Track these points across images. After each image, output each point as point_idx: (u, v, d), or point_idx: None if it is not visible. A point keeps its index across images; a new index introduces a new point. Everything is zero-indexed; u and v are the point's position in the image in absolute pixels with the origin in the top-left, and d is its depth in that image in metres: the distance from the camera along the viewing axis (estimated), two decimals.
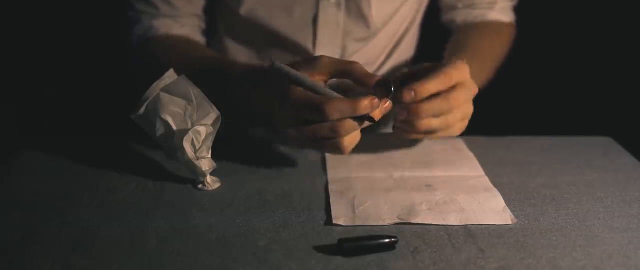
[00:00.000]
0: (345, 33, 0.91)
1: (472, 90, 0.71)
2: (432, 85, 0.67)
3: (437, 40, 1.11)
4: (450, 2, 0.99)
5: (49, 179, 0.70)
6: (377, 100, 0.63)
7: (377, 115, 0.64)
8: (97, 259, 0.55)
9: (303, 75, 0.65)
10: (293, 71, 0.65)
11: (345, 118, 0.63)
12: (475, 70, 0.76)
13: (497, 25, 0.98)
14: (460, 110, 0.71)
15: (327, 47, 0.91)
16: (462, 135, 0.81)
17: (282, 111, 0.66)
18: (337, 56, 0.92)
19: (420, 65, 0.73)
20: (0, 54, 1.29)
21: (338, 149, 0.67)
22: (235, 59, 0.96)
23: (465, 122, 0.73)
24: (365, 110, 0.63)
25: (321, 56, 0.68)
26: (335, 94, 0.65)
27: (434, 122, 0.70)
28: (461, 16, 0.99)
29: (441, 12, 1.02)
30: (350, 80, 0.67)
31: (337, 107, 0.62)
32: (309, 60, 0.68)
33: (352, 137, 0.66)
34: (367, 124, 0.65)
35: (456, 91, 0.69)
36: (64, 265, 0.54)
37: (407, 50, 1.02)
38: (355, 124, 0.64)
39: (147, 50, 0.91)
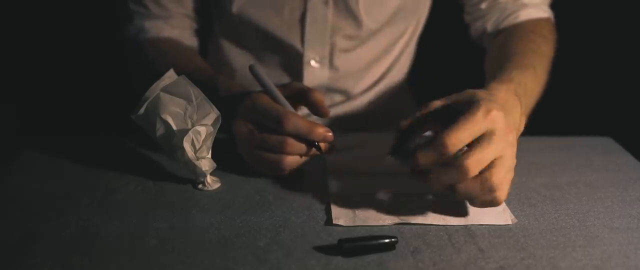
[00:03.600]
0: (334, 30, 0.91)
1: (511, 141, 0.59)
2: (431, 155, 0.57)
3: (436, 55, 1.12)
4: (475, 6, 0.94)
5: (49, 179, 0.70)
6: (331, 134, 0.66)
7: (324, 148, 0.67)
8: (97, 259, 0.55)
9: (275, 88, 0.68)
10: (268, 80, 0.68)
11: (296, 136, 0.65)
12: (523, 88, 0.71)
13: (535, 24, 0.90)
14: (496, 172, 0.58)
15: (315, 45, 0.92)
16: None
17: (243, 109, 0.68)
18: (325, 53, 0.93)
19: (426, 108, 0.63)
20: (0, 54, 1.29)
21: (277, 167, 0.67)
22: (231, 58, 0.96)
23: (511, 170, 0.60)
24: (318, 136, 0.65)
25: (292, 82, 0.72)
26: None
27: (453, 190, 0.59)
28: (491, 22, 0.93)
29: (469, 27, 0.97)
30: (306, 105, 0.70)
31: (295, 122, 0.64)
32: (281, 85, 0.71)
33: (293, 160, 0.67)
34: (313, 152, 0.67)
35: (477, 153, 0.57)
36: (64, 265, 0.54)
37: (405, 63, 1.02)
38: (303, 146, 0.66)
39: (138, 53, 0.92)
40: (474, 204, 0.61)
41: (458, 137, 0.56)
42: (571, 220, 0.63)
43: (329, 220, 0.62)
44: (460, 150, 0.57)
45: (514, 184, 0.70)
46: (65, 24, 1.28)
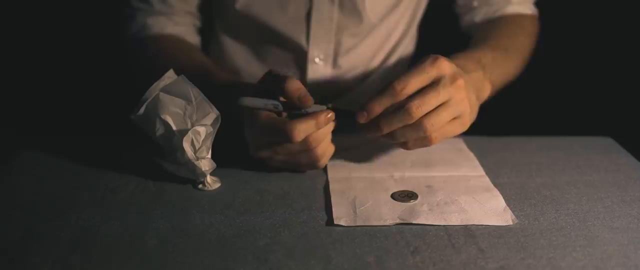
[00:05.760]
0: (339, 28, 0.91)
1: (458, 85, 0.66)
2: (384, 100, 0.65)
3: (437, 43, 1.11)
4: (466, 1, 0.99)
5: (49, 179, 0.70)
6: (332, 113, 0.67)
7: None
8: (97, 259, 0.55)
9: (267, 102, 0.66)
10: (260, 103, 0.66)
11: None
12: (490, 60, 0.77)
13: (518, 17, 0.96)
14: (439, 113, 0.65)
15: (320, 43, 0.92)
16: (463, 135, 0.80)
17: (252, 135, 0.68)
18: (330, 51, 0.93)
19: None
20: (0, 53, 1.29)
21: (313, 162, 0.69)
22: (233, 56, 0.96)
23: (460, 122, 0.68)
24: (326, 122, 0.66)
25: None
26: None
27: (401, 133, 0.66)
28: (479, 15, 0.98)
29: (460, 18, 1.01)
30: (284, 96, 0.66)
31: (302, 129, 0.65)
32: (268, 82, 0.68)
33: (324, 146, 0.69)
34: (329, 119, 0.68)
35: (421, 97, 0.64)
36: (64, 265, 0.54)
37: (405, 52, 1.01)
38: (327, 131, 0.68)
39: (140, 50, 0.92)
40: (406, 146, 0.68)
41: (406, 82, 0.64)
42: (571, 220, 0.62)
43: (329, 220, 0.62)
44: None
45: (514, 184, 0.70)
46: (65, 24, 1.28)
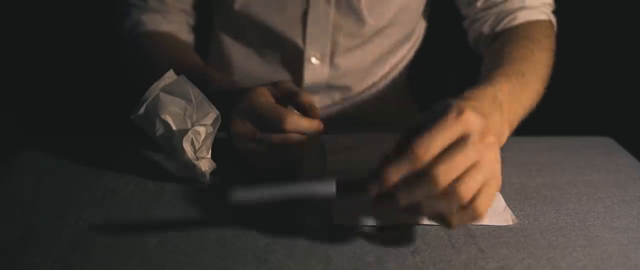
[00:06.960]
0: (335, 28, 0.91)
1: (488, 142, 0.54)
2: (402, 167, 0.52)
3: (439, 47, 1.11)
4: (471, 6, 0.91)
5: (49, 179, 0.70)
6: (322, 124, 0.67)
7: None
8: (97, 259, 0.55)
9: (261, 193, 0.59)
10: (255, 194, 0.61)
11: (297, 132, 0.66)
12: (507, 95, 0.66)
13: (530, 29, 0.85)
14: (472, 174, 0.52)
15: (316, 42, 0.91)
16: None
17: (241, 108, 0.67)
18: (327, 51, 0.93)
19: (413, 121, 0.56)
20: (0, 54, 1.29)
21: (279, 160, 0.68)
22: (232, 55, 0.96)
23: (495, 183, 0.55)
24: (318, 128, 0.67)
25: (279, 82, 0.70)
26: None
27: (428, 205, 0.54)
28: (487, 25, 0.89)
29: (467, 32, 0.94)
30: (296, 106, 0.69)
31: (294, 120, 0.65)
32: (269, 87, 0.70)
33: (294, 153, 0.68)
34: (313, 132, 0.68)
35: (447, 160, 0.51)
36: (64, 265, 0.54)
37: (406, 56, 1.01)
38: (305, 139, 0.67)
39: (134, 46, 0.92)
40: (449, 225, 0.54)
41: (429, 144, 0.51)
42: (571, 220, 0.63)
43: (329, 220, 0.62)
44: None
45: (514, 184, 0.70)
46: (65, 24, 1.28)
